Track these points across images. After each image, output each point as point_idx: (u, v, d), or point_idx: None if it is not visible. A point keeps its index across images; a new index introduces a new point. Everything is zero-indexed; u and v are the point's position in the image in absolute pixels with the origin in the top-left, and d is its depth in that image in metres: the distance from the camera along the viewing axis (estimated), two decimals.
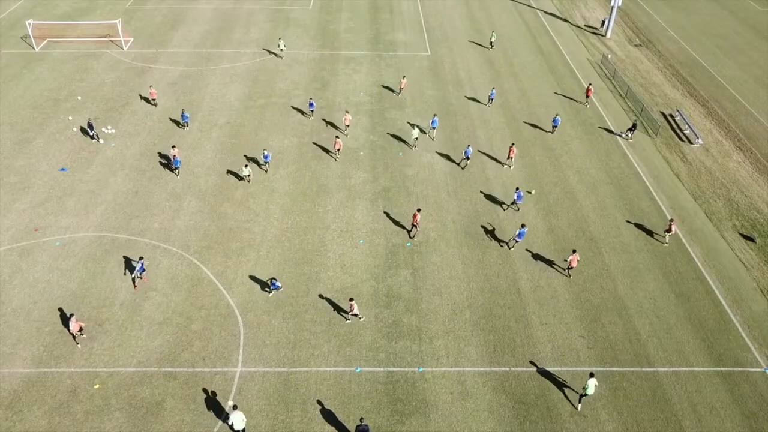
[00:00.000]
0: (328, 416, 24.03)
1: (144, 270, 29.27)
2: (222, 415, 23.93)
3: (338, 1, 65.58)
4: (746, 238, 34.16)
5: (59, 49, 52.63)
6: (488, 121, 44.02)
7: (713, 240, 33.88)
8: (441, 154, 40.03)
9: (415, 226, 32.28)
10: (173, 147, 36.94)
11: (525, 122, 44.13)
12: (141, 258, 29.14)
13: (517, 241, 32.19)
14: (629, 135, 42.29)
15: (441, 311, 28.74)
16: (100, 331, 27.06)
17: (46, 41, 53.68)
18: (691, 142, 42.81)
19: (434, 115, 41.12)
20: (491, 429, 23.81)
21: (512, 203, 35.45)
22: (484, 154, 40.23)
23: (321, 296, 29.27)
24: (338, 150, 38.34)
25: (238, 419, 22.34)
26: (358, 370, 25.89)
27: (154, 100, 43.92)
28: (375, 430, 23.62)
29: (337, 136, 38.34)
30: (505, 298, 29.61)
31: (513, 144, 38.09)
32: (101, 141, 40.27)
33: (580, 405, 24.54)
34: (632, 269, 31.50)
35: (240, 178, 36.92)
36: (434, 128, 41.27)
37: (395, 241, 32.75)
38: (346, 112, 41.55)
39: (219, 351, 26.40)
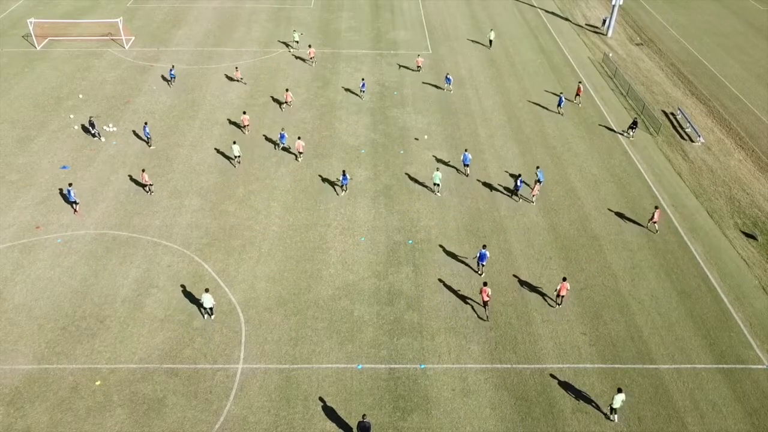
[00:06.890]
0: (330, 413, 24.02)
1: (74, 199, 32.58)
2: (223, 411, 23.96)
3: (339, 0, 65.58)
4: (748, 235, 34.13)
5: (60, 47, 52.66)
6: (489, 120, 44.02)
7: (715, 238, 33.84)
8: (442, 152, 40.07)
9: (486, 304, 27.84)
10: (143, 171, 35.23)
11: (526, 121, 44.13)
12: (70, 184, 32.85)
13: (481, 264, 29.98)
14: (630, 133, 42.25)
15: (442, 308, 28.72)
16: (101, 327, 27.07)
17: (47, 40, 53.71)
18: (692, 141, 42.77)
19: (465, 150, 38.42)
20: (493, 426, 23.79)
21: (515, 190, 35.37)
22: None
23: (322, 294, 29.30)
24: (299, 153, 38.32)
25: (207, 299, 26.63)
26: (359, 366, 25.88)
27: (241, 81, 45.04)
28: (376, 427, 23.60)
29: (286, 89, 44.33)
30: (507, 295, 29.59)
31: (565, 279, 28.23)
32: (103, 139, 40.29)
33: (616, 416, 23.93)
34: (633, 267, 31.48)
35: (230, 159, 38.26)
36: (467, 165, 37.07)
37: (396, 239, 32.74)
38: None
39: (220, 348, 26.41)
